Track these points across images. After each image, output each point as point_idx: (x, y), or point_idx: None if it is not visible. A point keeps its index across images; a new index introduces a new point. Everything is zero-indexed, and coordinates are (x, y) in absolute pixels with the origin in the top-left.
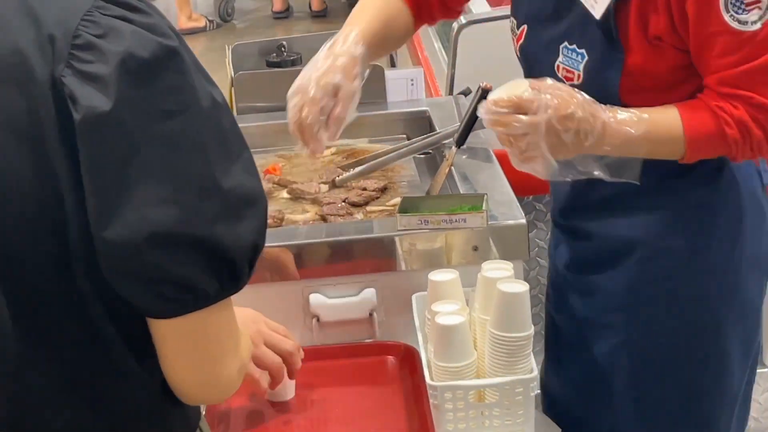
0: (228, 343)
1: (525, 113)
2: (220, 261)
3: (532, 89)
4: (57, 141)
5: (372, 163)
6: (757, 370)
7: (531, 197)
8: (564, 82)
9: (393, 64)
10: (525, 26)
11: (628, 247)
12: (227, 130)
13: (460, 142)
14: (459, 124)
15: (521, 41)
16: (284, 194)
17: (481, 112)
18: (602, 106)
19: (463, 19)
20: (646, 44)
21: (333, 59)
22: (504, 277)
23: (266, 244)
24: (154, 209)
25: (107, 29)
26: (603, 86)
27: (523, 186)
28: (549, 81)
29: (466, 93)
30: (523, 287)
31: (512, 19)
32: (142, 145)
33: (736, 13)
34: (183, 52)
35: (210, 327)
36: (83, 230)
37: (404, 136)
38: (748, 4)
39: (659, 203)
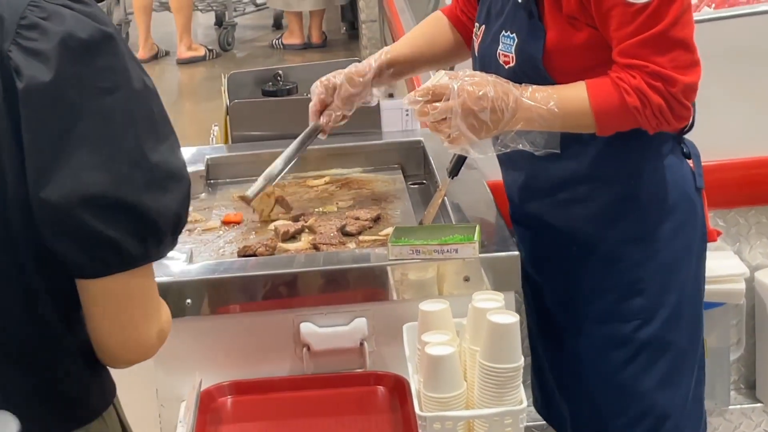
0: (149, 307)
1: (439, 99)
2: (145, 226)
3: (448, 78)
4: (2, 110)
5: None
6: (750, 405)
7: None
8: (504, 67)
9: (389, 94)
10: (483, 26)
11: (565, 237)
12: (156, 113)
13: (454, 173)
14: (453, 155)
15: (479, 41)
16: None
17: (406, 103)
18: (515, 85)
19: None
20: (563, 22)
21: (350, 66)
22: (495, 308)
23: (260, 273)
24: (88, 174)
25: (51, 13)
26: (531, 64)
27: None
28: (466, 71)
29: None
30: (513, 318)
31: (476, 24)
32: (79, 116)
33: None
34: (118, 39)
35: (133, 289)
36: (21, 190)
37: (398, 166)
38: None
39: (593, 195)
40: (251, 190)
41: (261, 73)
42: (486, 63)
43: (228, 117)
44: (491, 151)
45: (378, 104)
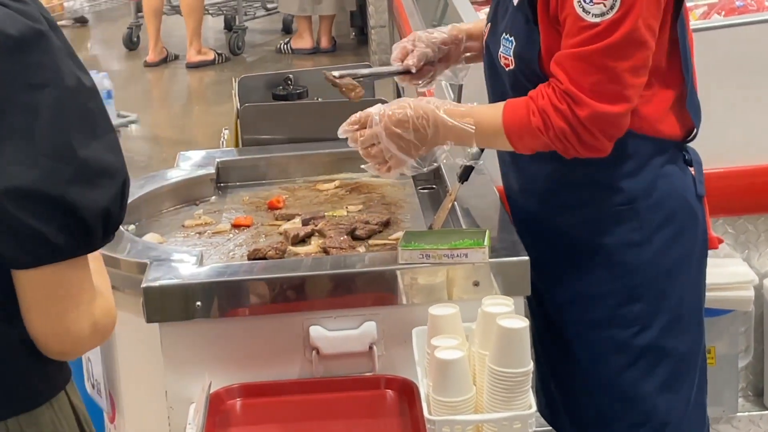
0: (80, 299)
1: (365, 127)
2: (72, 220)
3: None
4: None
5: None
6: (758, 413)
7: None
8: (504, 69)
9: (399, 96)
10: (489, 24)
11: (563, 242)
12: (92, 110)
13: (464, 178)
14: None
15: (485, 39)
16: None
17: (340, 133)
18: (436, 102)
19: None
20: (550, 25)
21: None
22: (504, 312)
23: (269, 276)
24: (14, 167)
25: None
26: (528, 68)
27: None
28: (396, 100)
29: None
30: (523, 323)
31: (486, 22)
32: (7, 110)
33: (584, 1)
34: (52, 36)
35: (64, 281)
36: None
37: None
38: None
39: (590, 201)
40: (338, 73)
41: (271, 77)
42: (490, 63)
43: (238, 121)
44: (424, 166)
45: None
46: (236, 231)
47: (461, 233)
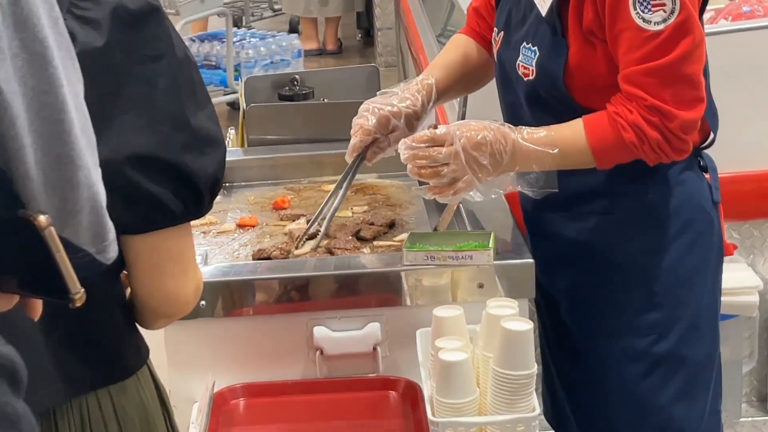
0: (188, 264)
1: (442, 145)
2: (186, 185)
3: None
4: None
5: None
6: (762, 418)
7: None
8: (522, 79)
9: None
10: (502, 33)
11: (578, 250)
12: (196, 81)
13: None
14: None
15: (498, 46)
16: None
17: (401, 148)
18: (511, 127)
19: None
20: (582, 38)
21: (398, 103)
22: (509, 314)
23: (274, 276)
24: (133, 135)
25: None
26: (551, 80)
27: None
28: (459, 122)
29: None
30: (527, 325)
31: (495, 28)
32: (127, 80)
33: (642, 11)
34: (163, 11)
35: (173, 246)
36: None
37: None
38: (654, 5)
39: (611, 208)
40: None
41: (278, 78)
42: (506, 71)
43: (244, 120)
44: (490, 194)
45: None
46: (241, 231)
47: (466, 235)
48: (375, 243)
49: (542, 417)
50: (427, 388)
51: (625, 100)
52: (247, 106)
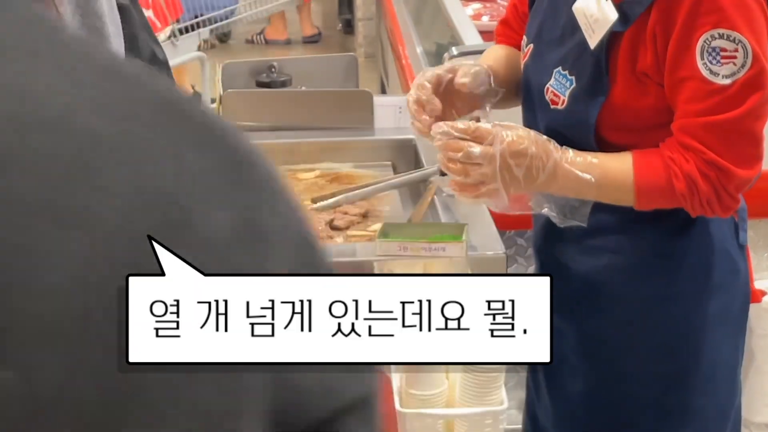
0: None
1: (480, 143)
2: None
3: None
4: None
5: (351, 194)
6: None
7: (513, 231)
8: (548, 105)
9: (383, 91)
10: (531, 45)
11: (590, 288)
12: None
13: (444, 171)
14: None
15: (526, 59)
16: None
17: (435, 131)
18: (556, 145)
19: (454, 51)
20: (633, 79)
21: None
22: None
23: None
24: None
25: None
26: (583, 115)
27: (506, 220)
28: (508, 123)
29: None
30: None
31: (524, 37)
32: None
33: (710, 62)
34: (132, 10)
35: None
36: None
37: (389, 163)
38: (723, 57)
39: (625, 246)
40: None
41: (256, 65)
42: (530, 88)
43: (221, 106)
44: (513, 210)
45: (371, 99)
46: None
47: (440, 227)
48: (348, 232)
49: (512, 411)
50: (396, 380)
51: (681, 148)
52: (224, 91)
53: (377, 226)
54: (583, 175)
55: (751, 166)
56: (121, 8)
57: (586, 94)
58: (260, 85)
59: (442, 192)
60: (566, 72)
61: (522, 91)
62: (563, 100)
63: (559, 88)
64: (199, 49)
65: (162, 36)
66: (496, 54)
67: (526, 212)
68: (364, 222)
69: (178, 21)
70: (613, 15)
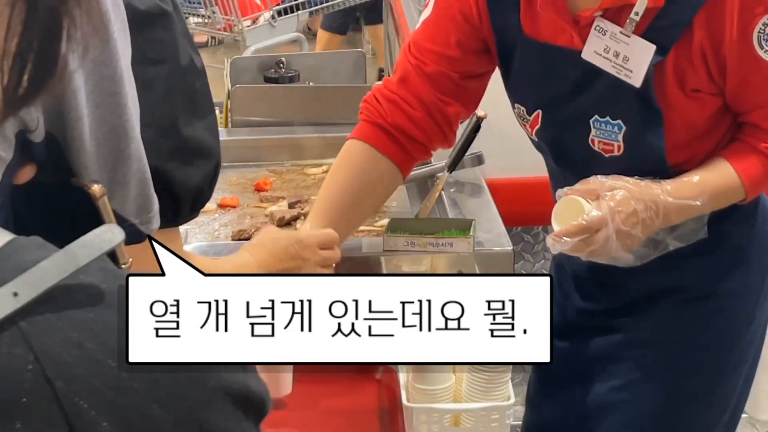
0: None
1: (595, 233)
2: (165, 193)
3: (587, 200)
4: None
5: None
6: None
7: (520, 228)
8: (603, 155)
9: (380, 78)
10: (539, 111)
11: (666, 291)
12: (198, 90)
13: (452, 167)
14: (452, 149)
15: (538, 126)
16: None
17: (551, 244)
18: (654, 183)
19: None
20: (685, 98)
21: None
22: None
23: None
24: None
25: None
26: (647, 151)
27: (513, 216)
28: (597, 179)
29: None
30: None
31: (518, 106)
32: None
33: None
34: (174, 17)
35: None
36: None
37: None
38: None
39: (697, 249)
40: None
41: (264, 60)
42: (566, 149)
43: (228, 101)
44: (644, 260)
45: None
46: (222, 211)
47: (447, 222)
48: None
49: (517, 407)
50: (404, 374)
51: (764, 133)
52: (232, 87)
53: (384, 222)
54: (693, 202)
55: None
56: (164, 15)
57: (642, 132)
58: (268, 80)
59: (450, 188)
60: (607, 118)
61: (552, 156)
62: (618, 146)
63: (608, 137)
64: (207, 44)
65: (265, 17)
66: (341, 188)
67: (655, 256)
68: (371, 217)
69: (279, 3)
70: (650, 47)
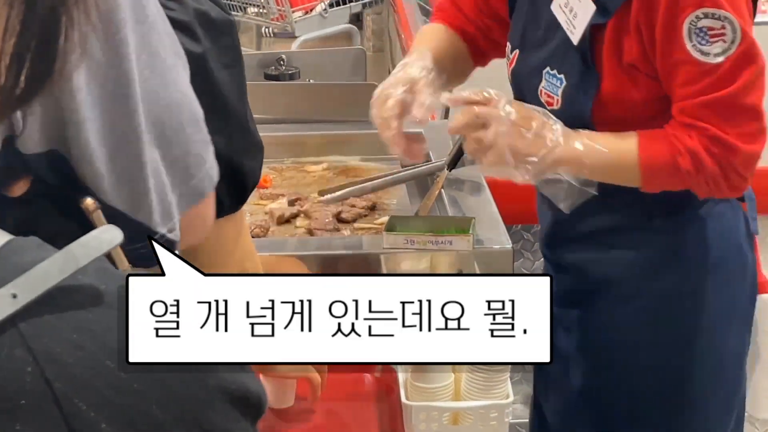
0: (232, 257)
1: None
2: (239, 185)
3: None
4: None
5: (359, 187)
6: None
7: (519, 226)
8: (545, 107)
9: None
10: (517, 51)
11: (603, 285)
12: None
13: (452, 165)
14: (452, 147)
15: (513, 65)
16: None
17: (447, 98)
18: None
19: None
20: (620, 71)
21: (403, 68)
22: None
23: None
24: (212, 136)
25: None
26: (578, 112)
27: (513, 214)
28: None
29: None
30: None
31: (508, 44)
32: (211, 86)
33: (699, 43)
34: (234, 26)
35: (221, 234)
36: None
37: (397, 156)
38: (712, 36)
39: (636, 243)
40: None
41: (264, 57)
42: (524, 95)
43: None
44: (529, 177)
45: None
46: None
47: (447, 220)
48: (355, 225)
49: (516, 405)
50: (403, 373)
51: (683, 127)
52: None
53: (384, 219)
54: (596, 144)
55: (755, 140)
56: (230, 22)
57: (577, 91)
58: (268, 77)
59: (450, 186)
60: (555, 71)
61: (514, 96)
62: (557, 100)
63: (551, 89)
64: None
65: (318, 8)
66: (438, 40)
67: (542, 177)
68: (371, 215)
69: None
70: (591, 8)
